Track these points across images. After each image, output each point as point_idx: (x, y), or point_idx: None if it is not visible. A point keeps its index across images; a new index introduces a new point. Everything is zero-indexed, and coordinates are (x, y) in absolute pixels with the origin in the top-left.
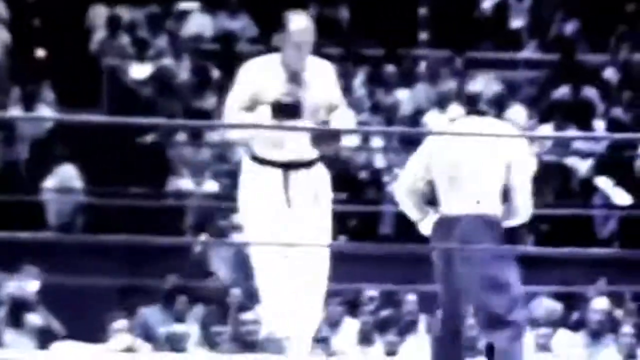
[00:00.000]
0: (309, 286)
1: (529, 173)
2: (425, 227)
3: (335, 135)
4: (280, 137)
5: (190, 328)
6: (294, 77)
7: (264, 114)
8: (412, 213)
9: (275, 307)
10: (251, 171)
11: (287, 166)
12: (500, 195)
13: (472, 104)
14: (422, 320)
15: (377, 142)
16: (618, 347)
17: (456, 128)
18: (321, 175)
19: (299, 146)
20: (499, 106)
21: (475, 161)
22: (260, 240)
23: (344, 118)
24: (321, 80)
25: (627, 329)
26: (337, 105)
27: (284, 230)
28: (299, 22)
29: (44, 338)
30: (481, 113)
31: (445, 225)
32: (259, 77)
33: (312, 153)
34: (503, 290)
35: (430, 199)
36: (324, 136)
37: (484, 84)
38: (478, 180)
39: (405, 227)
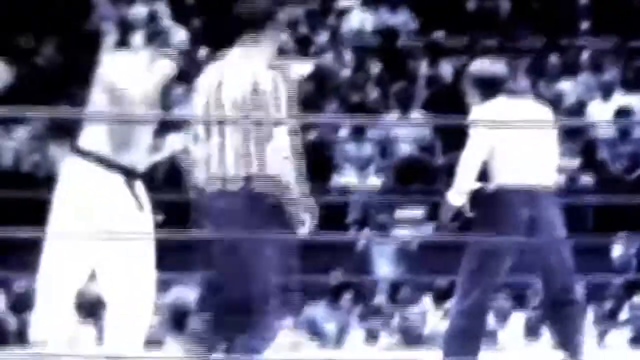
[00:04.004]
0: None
1: None
2: (459, 199)
3: None
4: (127, 139)
5: (354, 324)
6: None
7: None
8: (468, 182)
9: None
10: (79, 170)
11: (128, 173)
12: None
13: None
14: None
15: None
16: None
17: (506, 110)
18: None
19: (140, 153)
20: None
21: (536, 137)
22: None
23: None
24: None
25: None
26: None
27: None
28: None
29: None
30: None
31: (516, 195)
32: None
33: (145, 164)
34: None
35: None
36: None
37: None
38: (542, 155)
39: None
